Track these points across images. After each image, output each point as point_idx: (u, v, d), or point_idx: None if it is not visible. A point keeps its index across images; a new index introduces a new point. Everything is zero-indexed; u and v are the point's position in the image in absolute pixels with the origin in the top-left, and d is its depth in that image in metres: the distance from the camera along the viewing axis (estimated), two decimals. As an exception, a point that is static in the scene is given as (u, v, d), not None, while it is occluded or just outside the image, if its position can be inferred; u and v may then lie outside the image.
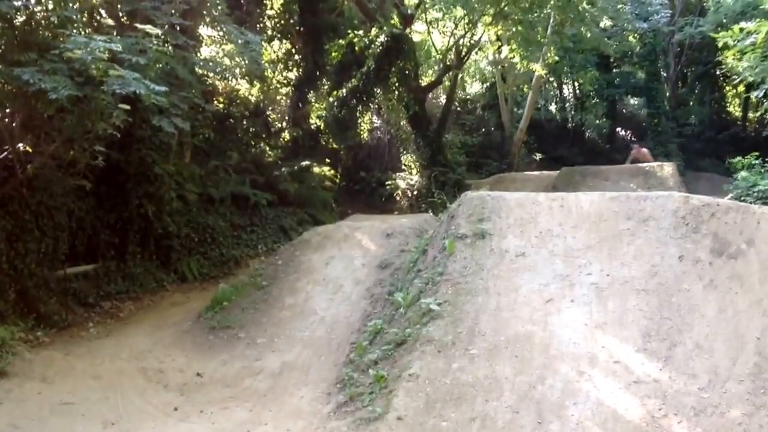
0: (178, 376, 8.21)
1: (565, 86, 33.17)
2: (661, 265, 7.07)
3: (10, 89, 8.74)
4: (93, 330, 10.02)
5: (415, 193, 19.71)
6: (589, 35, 22.99)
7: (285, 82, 19.93)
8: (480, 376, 6.13)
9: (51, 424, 6.50)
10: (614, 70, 30.48)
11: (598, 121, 31.73)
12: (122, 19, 10.66)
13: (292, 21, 19.13)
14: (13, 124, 9.29)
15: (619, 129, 32.47)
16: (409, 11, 19.93)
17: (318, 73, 19.79)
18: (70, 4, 8.77)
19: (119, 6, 10.58)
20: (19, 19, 8.72)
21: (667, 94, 29.06)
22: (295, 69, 19.82)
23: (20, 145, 9.37)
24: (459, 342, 6.59)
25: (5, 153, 9.19)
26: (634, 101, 33.17)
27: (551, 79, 29.96)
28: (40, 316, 9.54)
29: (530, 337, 6.57)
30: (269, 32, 18.99)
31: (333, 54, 19.95)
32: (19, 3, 8.12)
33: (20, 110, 9.12)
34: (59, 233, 10.28)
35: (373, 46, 18.66)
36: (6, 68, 8.13)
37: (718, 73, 27.75)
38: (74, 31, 8.73)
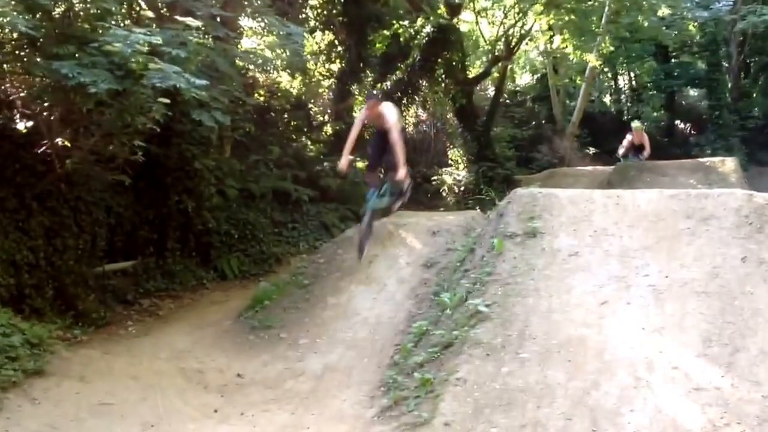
0: (218, 377, 7.97)
1: (620, 77, 31.96)
2: (723, 266, 6.61)
3: (49, 83, 8.63)
4: (132, 328, 9.86)
5: (462, 189, 19.28)
6: (646, 24, 22.13)
7: (327, 74, 19.56)
8: (531, 381, 5.76)
9: (89, 425, 6.34)
10: (673, 61, 29.29)
11: (655, 114, 30.33)
12: (162, 11, 10.48)
13: (335, 11, 18.70)
14: (52, 119, 9.19)
15: (677, 122, 31.08)
16: (456, 0, 19.43)
17: (362, 65, 19.27)
18: (110, -5, 8.55)
19: (159, -3, 10.41)
20: (58, 10, 8.61)
21: (729, 85, 27.67)
22: (337, 61, 19.39)
23: (59, 139, 9.29)
24: (509, 345, 6.23)
25: (44, 147, 9.13)
26: (693, 93, 31.71)
27: (606, 70, 29.05)
28: (78, 314, 9.40)
29: (584, 341, 6.18)
30: (311, 23, 18.59)
31: (377, 45, 19.49)
32: (58, -6, 7.96)
33: (59, 104, 8.99)
34: (97, 229, 10.15)
35: (418, 36, 18.31)
36: (45, 61, 8.01)
37: (783, 63, 26.54)
38: (113, 23, 8.56)
